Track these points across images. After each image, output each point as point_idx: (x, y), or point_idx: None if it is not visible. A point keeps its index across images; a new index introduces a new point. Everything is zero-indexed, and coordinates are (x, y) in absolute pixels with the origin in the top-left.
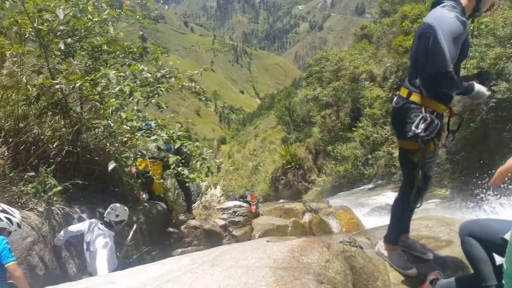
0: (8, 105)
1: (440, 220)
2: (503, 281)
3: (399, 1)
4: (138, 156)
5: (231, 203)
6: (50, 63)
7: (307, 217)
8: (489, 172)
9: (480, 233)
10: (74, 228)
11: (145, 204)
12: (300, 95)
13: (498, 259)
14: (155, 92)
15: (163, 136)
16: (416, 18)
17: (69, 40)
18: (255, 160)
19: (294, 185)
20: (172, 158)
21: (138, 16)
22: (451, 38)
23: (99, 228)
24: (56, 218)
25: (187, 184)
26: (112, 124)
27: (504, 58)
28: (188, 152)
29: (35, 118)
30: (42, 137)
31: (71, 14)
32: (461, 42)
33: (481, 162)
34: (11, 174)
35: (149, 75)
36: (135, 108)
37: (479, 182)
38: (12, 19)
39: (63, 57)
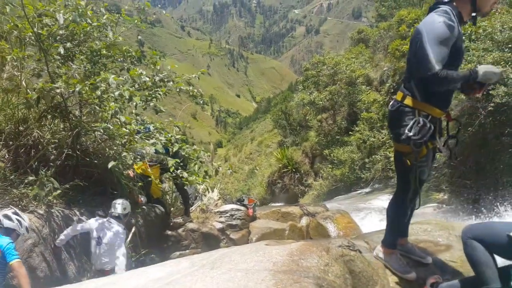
0: (9, 108)
1: (439, 224)
2: None
3: (396, 6)
4: (138, 159)
5: (228, 207)
6: (49, 67)
7: (304, 221)
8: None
9: (484, 235)
10: (81, 226)
11: (144, 207)
12: (297, 99)
13: (499, 262)
14: (153, 95)
15: (161, 140)
16: (413, 23)
17: (68, 45)
18: (252, 164)
19: (290, 189)
20: (171, 161)
21: (136, 21)
22: (437, 41)
23: (111, 223)
24: (56, 221)
25: (185, 187)
26: (111, 127)
27: (502, 63)
28: (186, 155)
29: (35, 121)
30: (42, 140)
31: (70, 18)
32: (450, 44)
33: (479, 166)
34: (11, 177)
35: (147, 79)
36: (133, 111)
37: (477, 186)
38: (12, 24)
39: (62, 61)
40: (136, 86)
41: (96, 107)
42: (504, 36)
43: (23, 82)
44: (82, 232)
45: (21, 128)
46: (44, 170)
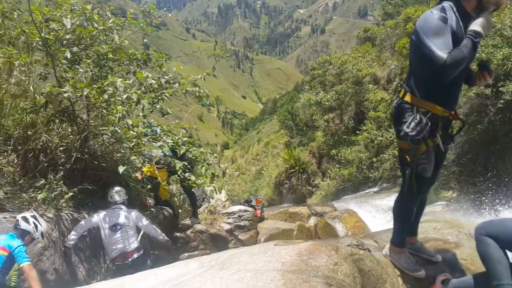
0: (17, 113)
1: (448, 222)
2: None
3: (402, 3)
4: (146, 162)
5: (236, 208)
6: (57, 72)
7: (312, 221)
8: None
9: (497, 232)
10: (86, 222)
11: (152, 209)
12: (303, 100)
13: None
14: (159, 97)
15: (168, 142)
16: None
17: (75, 49)
18: (259, 165)
19: (298, 189)
20: (179, 164)
21: (141, 24)
22: (434, 33)
23: (122, 209)
24: (65, 224)
25: (192, 189)
26: (119, 130)
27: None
28: (193, 157)
29: (43, 126)
30: (50, 144)
31: (77, 23)
32: (448, 33)
33: (489, 164)
34: (20, 181)
35: (153, 81)
36: (140, 114)
37: (486, 183)
38: (20, 29)
39: (69, 65)
40: (143, 88)
41: (103, 110)
42: None
43: (31, 87)
44: (93, 227)
45: (29, 132)
46: (53, 174)
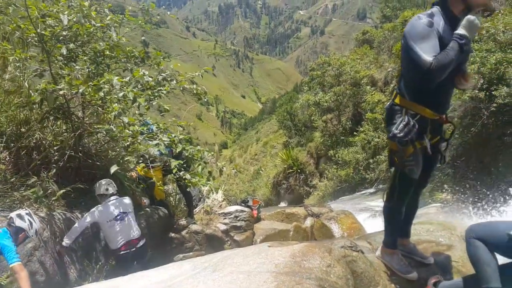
0: (10, 110)
1: (441, 224)
2: None
3: (400, 7)
4: (140, 161)
5: (232, 208)
6: (52, 68)
7: (308, 222)
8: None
9: (487, 235)
10: (86, 220)
11: (147, 209)
12: (302, 100)
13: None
14: (156, 94)
15: (165, 141)
16: None
17: (71, 45)
18: (257, 165)
19: (295, 190)
20: (174, 162)
21: (140, 22)
22: (420, 37)
23: (118, 199)
24: (57, 224)
25: (188, 189)
26: (114, 129)
27: (505, 63)
28: (190, 156)
29: (37, 123)
30: (43, 142)
31: (74, 19)
32: (434, 37)
33: (482, 166)
34: (12, 179)
35: (150, 78)
36: (136, 112)
37: (480, 186)
38: (15, 25)
39: (65, 62)
40: (139, 86)
41: (99, 108)
42: (507, 37)
43: (26, 83)
44: (94, 223)
45: (23, 129)
46: (45, 172)
